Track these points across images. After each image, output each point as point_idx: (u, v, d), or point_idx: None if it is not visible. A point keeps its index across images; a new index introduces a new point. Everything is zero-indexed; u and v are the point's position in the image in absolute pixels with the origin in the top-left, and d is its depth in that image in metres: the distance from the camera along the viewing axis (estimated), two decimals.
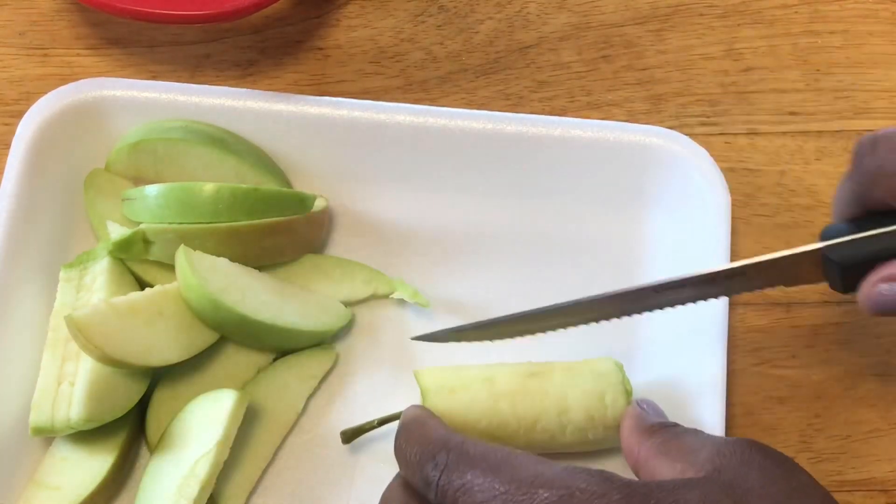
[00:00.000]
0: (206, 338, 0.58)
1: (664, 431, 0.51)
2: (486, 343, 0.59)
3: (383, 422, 0.57)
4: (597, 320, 0.55)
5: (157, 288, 0.58)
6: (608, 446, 0.57)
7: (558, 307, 0.55)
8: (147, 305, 0.57)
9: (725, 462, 0.46)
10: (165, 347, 0.57)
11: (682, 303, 0.54)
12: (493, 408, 0.55)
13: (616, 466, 0.52)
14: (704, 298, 0.54)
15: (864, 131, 0.66)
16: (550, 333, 0.56)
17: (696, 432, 0.50)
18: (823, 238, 0.51)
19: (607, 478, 0.44)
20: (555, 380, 0.56)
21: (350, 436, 0.58)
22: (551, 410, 0.55)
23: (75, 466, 0.56)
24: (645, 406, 0.54)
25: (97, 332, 0.55)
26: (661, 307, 0.54)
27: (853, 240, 0.50)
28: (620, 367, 0.57)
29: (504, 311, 0.61)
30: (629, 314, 0.55)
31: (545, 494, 0.43)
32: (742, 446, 0.46)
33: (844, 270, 0.50)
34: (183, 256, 0.57)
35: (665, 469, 0.48)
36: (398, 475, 0.50)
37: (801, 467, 0.46)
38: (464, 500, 0.45)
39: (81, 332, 0.55)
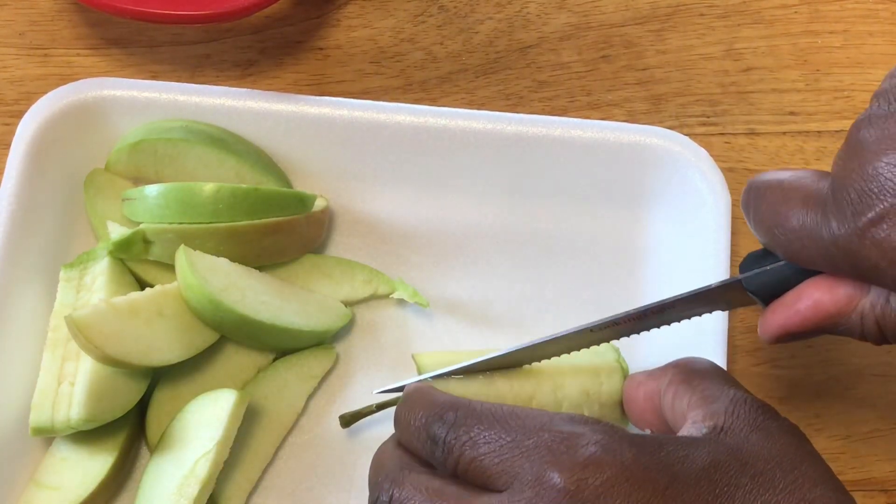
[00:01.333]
0: (207, 338, 0.58)
1: (683, 363, 0.51)
2: (485, 332, 0.59)
3: (382, 406, 0.57)
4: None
5: (157, 288, 0.58)
6: None
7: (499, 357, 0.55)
8: (147, 305, 0.57)
9: (735, 423, 0.45)
10: (165, 347, 0.57)
11: (626, 335, 0.54)
12: (489, 384, 0.55)
13: None
14: (638, 332, 0.54)
15: None
16: (548, 333, 0.56)
17: (715, 377, 0.49)
18: (742, 265, 0.52)
19: (617, 429, 0.44)
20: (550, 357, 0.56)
21: (349, 420, 0.58)
22: (546, 386, 0.55)
23: (75, 466, 0.56)
24: None
25: (97, 332, 0.55)
26: (597, 342, 0.55)
27: (765, 270, 0.51)
28: (616, 349, 0.57)
29: (503, 311, 0.62)
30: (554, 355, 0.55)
31: (549, 437, 0.43)
32: (755, 411, 0.46)
33: (764, 298, 0.51)
34: (183, 256, 0.57)
35: (684, 398, 0.48)
36: (390, 438, 0.50)
37: (808, 439, 0.46)
38: (470, 453, 0.44)
39: (81, 332, 0.55)
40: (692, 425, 0.47)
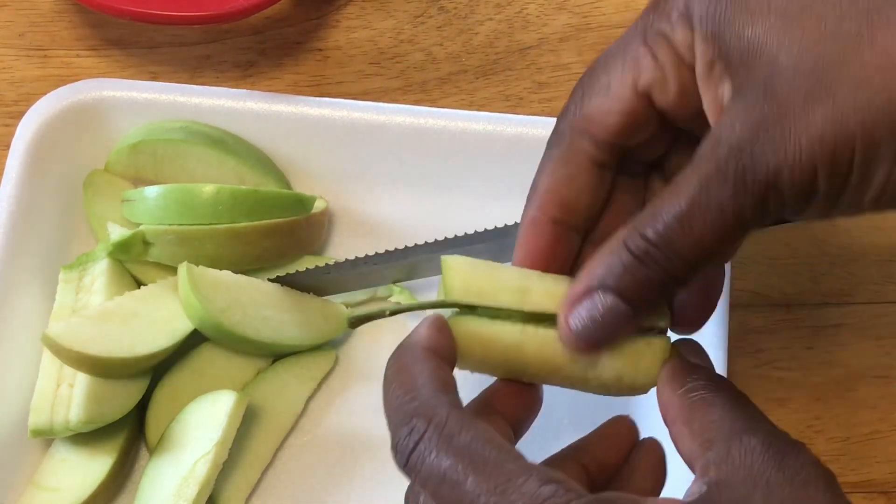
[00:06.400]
0: (188, 324, 0.58)
1: (697, 388, 0.44)
2: None
3: (395, 312, 0.51)
4: None
5: (125, 294, 0.58)
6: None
7: None
8: (118, 310, 0.57)
9: (730, 475, 0.40)
10: (149, 338, 0.57)
11: None
12: (518, 346, 0.48)
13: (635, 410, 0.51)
14: None
15: None
16: None
17: (724, 403, 0.43)
18: None
19: (581, 493, 0.40)
20: None
21: (356, 322, 0.52)
22: (581, 361, 0.48)
23: (74, 468, 0.56)
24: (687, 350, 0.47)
25: (75, 339, 0.55)
26: None
27: None
28: (667, 338, 0.49)
29: None
30: None
31: (520, 501, 0.39)
32: (755, 454, 0.40)
33: None
34: (185, 274, 0.57)
35: (685, 442, 0.43)
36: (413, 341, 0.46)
37: (823, 482, 0.39)
38: (433, 486, 0.41)
39: (60, 344, 0.55)
40: (695, 483, 0.41)
